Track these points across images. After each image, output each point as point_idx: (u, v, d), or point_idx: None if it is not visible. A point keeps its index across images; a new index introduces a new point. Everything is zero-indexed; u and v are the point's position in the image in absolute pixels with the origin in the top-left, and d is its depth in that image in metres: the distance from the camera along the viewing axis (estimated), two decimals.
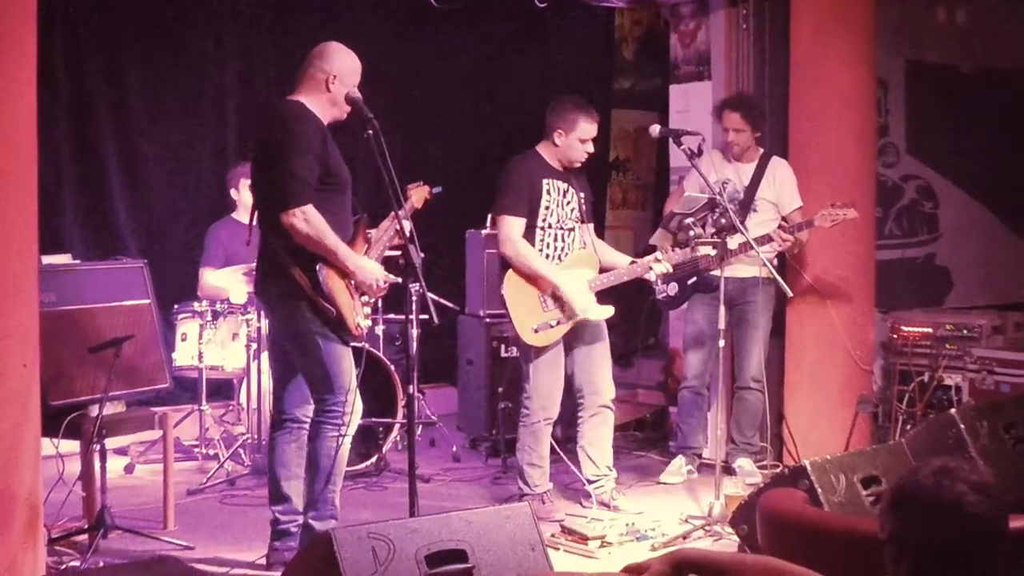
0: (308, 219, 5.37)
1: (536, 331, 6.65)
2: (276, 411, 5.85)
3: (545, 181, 6.75)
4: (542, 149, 6.85)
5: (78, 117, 8.65)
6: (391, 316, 8.43)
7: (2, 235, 4.87)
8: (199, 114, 9.21)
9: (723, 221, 6.36)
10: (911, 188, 9.41)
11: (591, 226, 7.03)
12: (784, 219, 7.60)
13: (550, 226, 6.75)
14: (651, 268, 6.77)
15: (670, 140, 6.67)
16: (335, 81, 5.60)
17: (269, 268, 5.59)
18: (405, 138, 9.52)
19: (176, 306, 7.98)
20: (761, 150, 7.75)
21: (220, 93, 9.27)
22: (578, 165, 6.85)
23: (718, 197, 6.43)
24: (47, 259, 6.22)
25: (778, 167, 7.72)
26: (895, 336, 8.12)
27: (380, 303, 8.12)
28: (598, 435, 6.96)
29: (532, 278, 6.66)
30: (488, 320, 8.37)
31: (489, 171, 10.08)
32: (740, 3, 8.33)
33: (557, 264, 6.73)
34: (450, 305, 8.38)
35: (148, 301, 6.63)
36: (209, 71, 9.23)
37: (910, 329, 8.07)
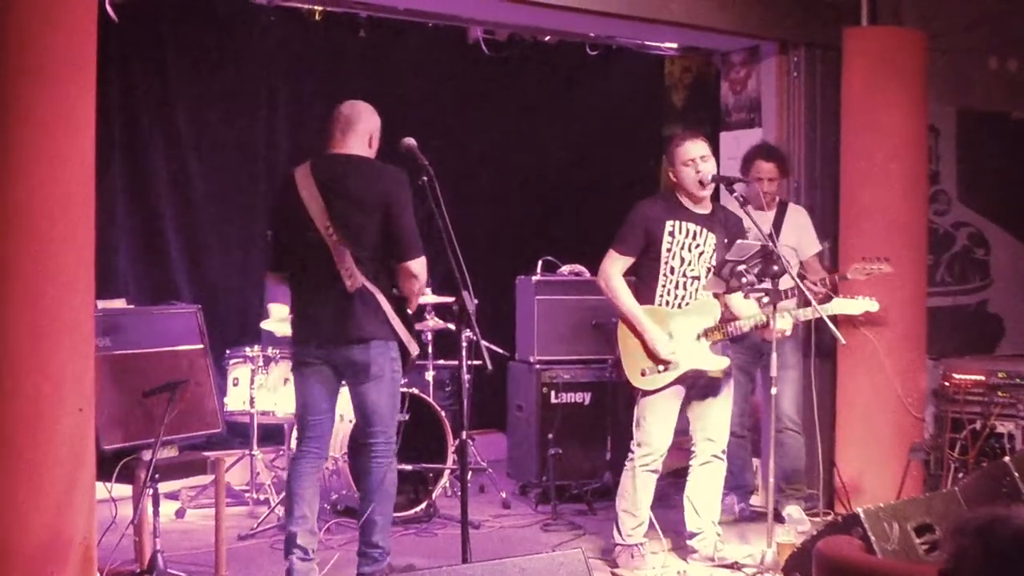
0: (424, 266, 5.93)
1: (644, 375, 6.42)
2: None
3: (669, 223, 6.44)
4: (676, 190, 6.56)
5: (131, 162, 8.73)
6: (441, 362, 8.46)
7: (61, 281, 4.93)
8: (252, 160, 9.29)
9: (775, 268, 6.30)
10: (962, 235, 9.37)
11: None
12: (802, 264, 7.62)
13: (672, 271, 6.44)
14: (770, 323, 6.36)
15: (722, 187, 6.65)
16: (375, 138, 6.02)
17: (363, 309, 5.84)
18: (453, 183, 9.52)
19: (228, 351, 8.03)
20: (778, 198, 7.78)
21: (272, 139, 9.35)
22: (704, 192, 6.48)
23: (771, 244, 6.39)
24: (102, 303, 6.27)
25: (797, 214, 7.79)
26: (947, 383, 8.05)
27: (431, 349, 8.17)
28: (706, 486, 6.71)
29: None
30: (538, 366, 8.37)
31: (537, 216, 10.18)
32: (791, 50, 8.36)
33: (676, 311, 6.49)
34: (500, 351, 8.37)
35: (202, 346, 6.67)
36: (261, 117, 9.31)
37: (962, 376, 8.00)
